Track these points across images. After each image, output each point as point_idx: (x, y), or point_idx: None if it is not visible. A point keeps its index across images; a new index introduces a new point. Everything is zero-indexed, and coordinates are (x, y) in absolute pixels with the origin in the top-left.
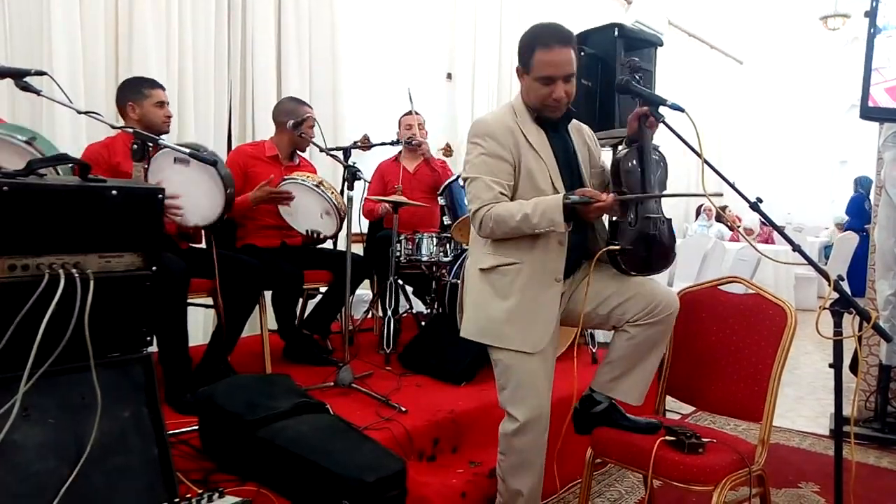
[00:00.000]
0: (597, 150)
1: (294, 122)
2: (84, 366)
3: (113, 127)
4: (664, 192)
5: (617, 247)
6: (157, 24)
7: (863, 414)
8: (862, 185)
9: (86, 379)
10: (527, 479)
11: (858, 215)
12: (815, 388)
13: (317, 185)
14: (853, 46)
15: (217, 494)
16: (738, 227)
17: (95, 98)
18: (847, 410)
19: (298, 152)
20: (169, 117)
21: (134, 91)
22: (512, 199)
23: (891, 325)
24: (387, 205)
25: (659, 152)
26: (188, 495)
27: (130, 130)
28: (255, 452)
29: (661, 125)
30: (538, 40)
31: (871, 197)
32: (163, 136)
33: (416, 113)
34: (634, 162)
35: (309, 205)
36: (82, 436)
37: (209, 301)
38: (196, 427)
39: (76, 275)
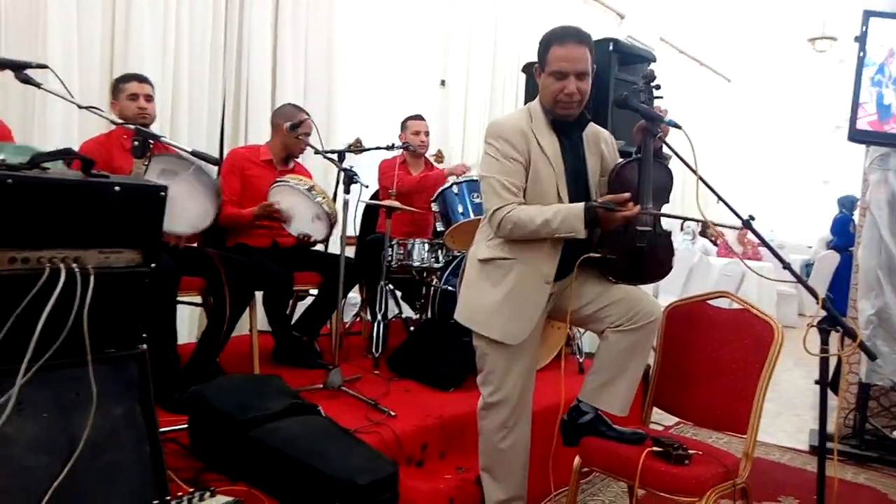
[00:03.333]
0: (612, 157)
1: (291, 123)
2: (79, 361)
3: (114, 123)
4: (678, 215)
5: (598, 255)
6: (153, 23)
7: (842, 431)
8: (845, 205)
9: (80, 374)
10: (491, 462)
11: (843, 234)
12: (795, 403)
13: (308, 190)
14: (840, 69)
15: (208, 494)
16: (742, 243)
17: (90, 96)
18: (829, 427)
19: (293, 158)
20: (142, 108)
21: (114, 88)
22: None
23: (872, 345)
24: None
25: (667, 166)
26: (179, 494)
27: (132, 127)
28: (246, 453)
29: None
30: (555, 36)
31: (856, 217)
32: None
33: (422, 119)
34: (631, 174)
35: (300, 208)
36: (75, 432)
37: (198, 299)
38: (185, 426)
39: (76, 269)
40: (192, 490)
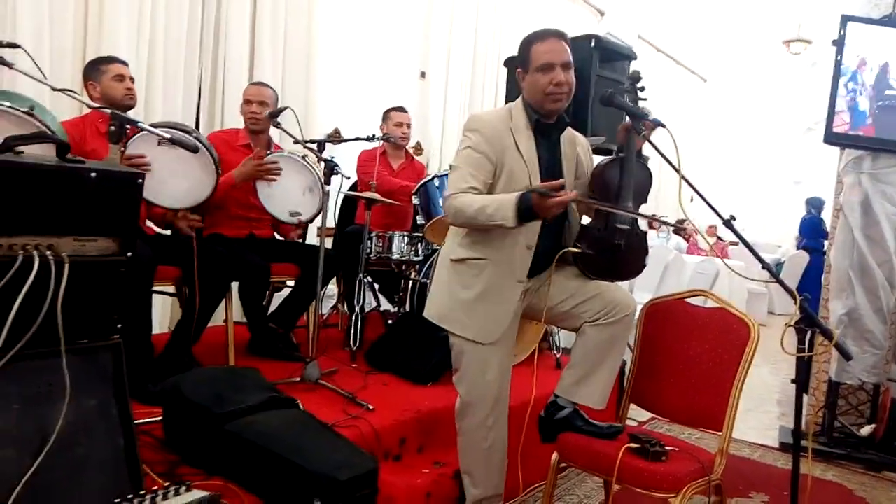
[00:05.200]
0: (587, 161)
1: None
2: (51, 352)
3: (89, 106)
4: (629, 210)
5: (577, 249)
6: (129, 4)
7: (811, 428)
8: (813, 205)
9: (53, 366)
10: (471, 462)
11: (812, 235)
12: (764, 400)
13: (302, 158)
14: (813, 71)
15: (184, 488)
16: (713, 241)
17: (62, 78)
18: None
19: (273, 141)
20: (129, 90)
21: (92, 70)
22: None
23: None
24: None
25: (647, 166)
26: (154, 488)
27: (108, 111)
28: (222, 446)
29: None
30: (534, 36)
31: (828, 218)
32: (130, 115)
33: (405, 111)
34: (613, 172)
35: (291, 181)
36: (47, 425)
37: (172, 289)
38: (160, 418)
39: (50, 257)
40: (167, 484)
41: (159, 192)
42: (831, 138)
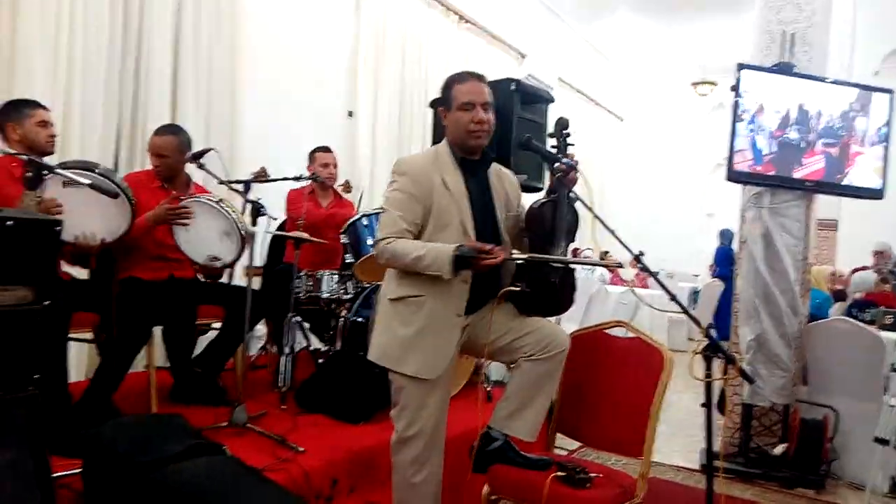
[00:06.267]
0: (515, 195)
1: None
2: None
3: (3, 152)
4: (561, 258)
5: (517, 288)
6: (44, 43)
7: (728, 449)
8: (725, 236)
9: None
10: (404, 498)
11: (724, 264)
12: (686, 425)
13: (217, 202)
14: (719, 112)
15: None
16: (635, 272)
17: None
18: (716, 446)
19: (195, 182)
20: (53, 136)
21: (14, 111)
22: (419, 234)
23: (752, 368)
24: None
25: (573, 207)
26: None
27: (24, 157)
28: (147, 497)
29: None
30: (455, 78)
31: (735, 250)
32: (45, 158)
33: (331, 151)
34: (546, 214)
35: (207, 226)
36: None
37: (90, 335)
38: (79, 470)
39: None
40: None
41: (74, 229)
42: (733, 175)
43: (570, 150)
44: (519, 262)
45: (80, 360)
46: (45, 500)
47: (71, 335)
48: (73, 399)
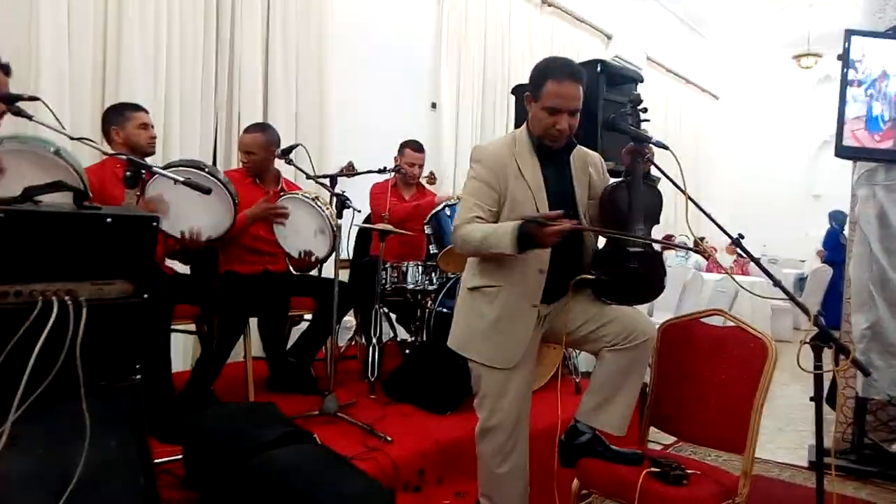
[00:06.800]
0: (601, 179)
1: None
2: (72, 395)
3: (105, 154)
4: (636, 236)
5: (592, 276)
6: (143, 49)
7: (840, 446)
8: (836, 219)
9: (74, 408)
10: (490, 487)
11: (835, 249)
12: (793, 419)
13: (313, 200)
14: (825, 85)
15: None
16: (733, 258)
17: (82, 124)
18: (826, 442)
19: (284, 177)
20: (153, 138)
21: (117, 115)
22: (496, 222)
23: (866, 359)
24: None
25: (656, 188)
26: None
27: (124, 157)
28: (242, 483)
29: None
30: (552, 72)
31: (846, 232)
32: (148, 158)
33: (422, 151)
34: (620, 195)
35: (303, 222)
36: (69, 466)
37: (192, 327)
38: (180, 456)
39: (69, 302)
40: None
41: (181, 225)
42: (842, 152)
43: (643, 126)
44: (590, 234)
45: (185, 350)
46: (147, 484)
47: (174, 327)
48: (177, 389)
